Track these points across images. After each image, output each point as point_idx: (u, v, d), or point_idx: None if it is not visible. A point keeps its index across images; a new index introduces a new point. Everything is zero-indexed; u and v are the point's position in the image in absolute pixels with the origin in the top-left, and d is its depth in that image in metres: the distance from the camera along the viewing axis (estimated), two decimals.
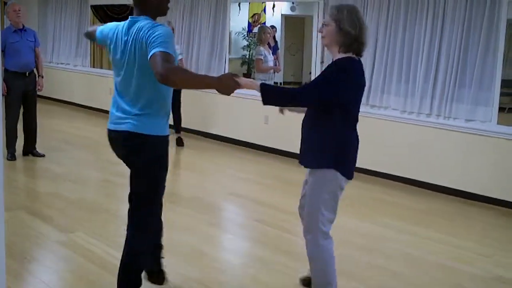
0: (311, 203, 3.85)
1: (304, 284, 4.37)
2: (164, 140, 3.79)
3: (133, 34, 3.62)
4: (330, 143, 3.76)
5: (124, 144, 3.77)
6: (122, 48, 3.71)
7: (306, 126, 3.89)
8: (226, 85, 3.59)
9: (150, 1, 3.71)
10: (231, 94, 3.67)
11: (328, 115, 3.72)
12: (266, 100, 3.72)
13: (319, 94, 3.65)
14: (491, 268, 5.08)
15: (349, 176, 3.82)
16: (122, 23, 3.81)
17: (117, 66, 3.82)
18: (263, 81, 9.79)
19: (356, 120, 3.89)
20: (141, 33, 3.56)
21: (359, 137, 3.94)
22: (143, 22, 3.63)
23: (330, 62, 3.89)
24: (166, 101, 3.79)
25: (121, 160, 3.91)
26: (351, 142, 3.87)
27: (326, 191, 3.78)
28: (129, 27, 3.69)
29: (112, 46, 3.82)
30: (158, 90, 3.65)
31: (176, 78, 3.36)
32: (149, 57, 3.39)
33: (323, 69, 3.98)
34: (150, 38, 3.46)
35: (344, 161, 3.80)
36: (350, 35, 3.67)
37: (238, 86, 3.62)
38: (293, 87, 3.87)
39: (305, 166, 3.92)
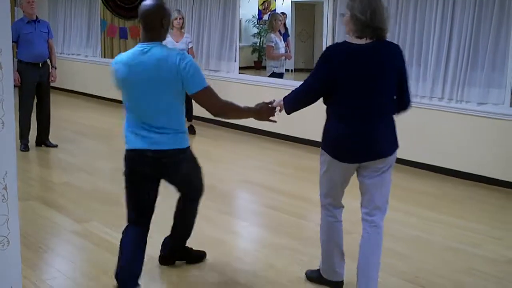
0: None
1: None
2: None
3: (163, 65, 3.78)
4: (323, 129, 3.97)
5: (165, 160, 4.05)
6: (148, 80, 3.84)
7: None
8: (264, 113, 4.11)
9: (164, 27, 3.93)
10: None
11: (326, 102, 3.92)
12: (289, 109, 4.02)
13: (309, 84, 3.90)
14: (502, 250, 5.08)
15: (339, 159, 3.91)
16: (133, 55, 3.87)
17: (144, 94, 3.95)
18: (275, 68, 9.85)
19: (347, 110, 3.84)
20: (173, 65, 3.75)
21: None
22: (170, 53, 3.82)
23: None
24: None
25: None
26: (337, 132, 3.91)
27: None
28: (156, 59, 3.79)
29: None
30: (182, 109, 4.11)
31: (230, 114, 4.18)
32: (194, 91, 3.90)
33: None
34: (186, 71, 3.76)
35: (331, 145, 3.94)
36: (361, 21, 3.68)
37: (273, 112, 4.09)
38: (299, 87, 3.97)
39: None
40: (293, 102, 3.99)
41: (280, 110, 4.10)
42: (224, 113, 4.10)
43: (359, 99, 3.79)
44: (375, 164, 3.95)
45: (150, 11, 3.83)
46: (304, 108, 4.02)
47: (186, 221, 4.56)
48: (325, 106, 3.95)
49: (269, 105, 4.09)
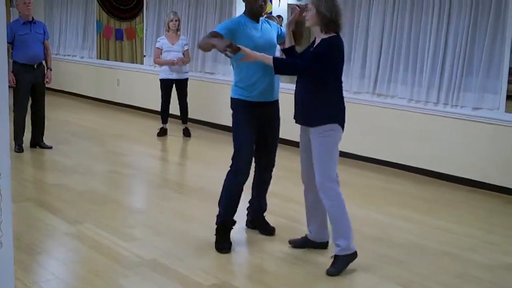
0: None
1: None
2: None
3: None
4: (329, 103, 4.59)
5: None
6: None
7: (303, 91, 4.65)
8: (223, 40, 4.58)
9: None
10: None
11: (324, 82, 4.52)
12: (278, 70, 4.64)
13: (320, 70, 4.47)
14: (497, 256, 5.07)
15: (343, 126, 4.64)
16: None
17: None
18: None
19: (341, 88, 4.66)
20: None
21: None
22: None
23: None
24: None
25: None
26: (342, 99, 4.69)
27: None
28: None
29: None
30: None
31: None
32: None
33: (315, 46, 4.59)
34: None
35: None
36: (326, 17, 4.43)
37: (235, 47, 4.53)
38: (297, 61, 4.61)
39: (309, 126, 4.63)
40: (292, 70, 4.70)
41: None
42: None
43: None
44: None
45: None
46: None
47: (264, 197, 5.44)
48: None
49: (237, 47, 4.53)
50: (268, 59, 4.58)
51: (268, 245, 5.07)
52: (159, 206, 6.17)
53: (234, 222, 5.02)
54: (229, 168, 5.03)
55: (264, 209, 5.40)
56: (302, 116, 4.67)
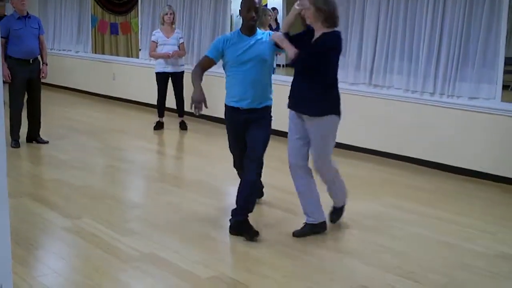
0: None
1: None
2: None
3: None
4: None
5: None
6: None
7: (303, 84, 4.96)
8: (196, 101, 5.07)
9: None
10: None
11: (323, 75, 4.86)
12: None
13: (318, 60, 4.81)
14: (494, 245, 5.09)
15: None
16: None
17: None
18: None
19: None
20: None
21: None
22: None
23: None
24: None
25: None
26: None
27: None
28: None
29: None
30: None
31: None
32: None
33: (315, 39, 4.89)
34: None
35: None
36: (325, 11, 4.74)
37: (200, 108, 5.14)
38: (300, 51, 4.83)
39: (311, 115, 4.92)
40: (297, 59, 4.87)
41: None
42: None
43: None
44: None
45: None
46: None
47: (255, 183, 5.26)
48: None
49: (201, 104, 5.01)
50: (291, 52, 4.87)
51: (267, 237, 5.06)
52: (156, 200, 6.17)
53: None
54: None
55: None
56: (302, 105, 4.96)
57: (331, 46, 4.83)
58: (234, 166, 5.64)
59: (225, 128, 5.39)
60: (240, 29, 5.14)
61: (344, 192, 5.35)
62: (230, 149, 5.53)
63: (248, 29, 5.07)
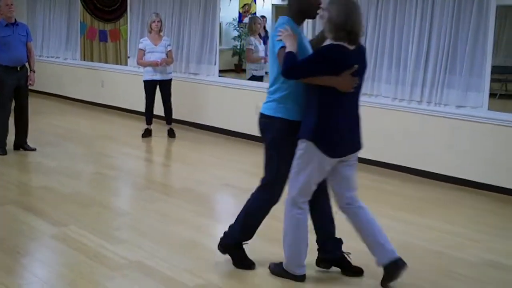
0: None
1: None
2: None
3: None
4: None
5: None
6: None
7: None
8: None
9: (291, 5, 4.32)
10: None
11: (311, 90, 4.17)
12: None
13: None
14: (482, 253, 5.10)
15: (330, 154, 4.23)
16: None
17: None
18: (255, 71, 9.85)
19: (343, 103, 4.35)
20: None
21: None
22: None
23: None
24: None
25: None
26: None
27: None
28: None
29: None
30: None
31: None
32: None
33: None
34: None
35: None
36: (335, 23, 3.97)
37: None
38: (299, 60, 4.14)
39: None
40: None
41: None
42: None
43: (348, 94, 4.25)
44: (355, 155, 4.45)
45: None
46: None
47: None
48: None
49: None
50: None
51: (256, 246, 5.05)
52: (144, 208, 6.15)
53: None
54: None
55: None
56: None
57: (316, 57, 4.10)
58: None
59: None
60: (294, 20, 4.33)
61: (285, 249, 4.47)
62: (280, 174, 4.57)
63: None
